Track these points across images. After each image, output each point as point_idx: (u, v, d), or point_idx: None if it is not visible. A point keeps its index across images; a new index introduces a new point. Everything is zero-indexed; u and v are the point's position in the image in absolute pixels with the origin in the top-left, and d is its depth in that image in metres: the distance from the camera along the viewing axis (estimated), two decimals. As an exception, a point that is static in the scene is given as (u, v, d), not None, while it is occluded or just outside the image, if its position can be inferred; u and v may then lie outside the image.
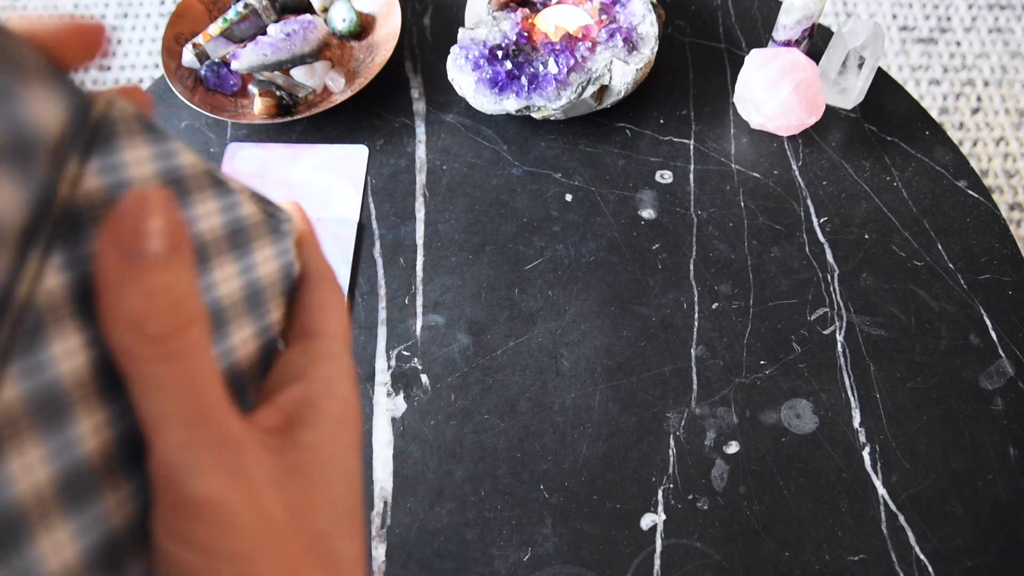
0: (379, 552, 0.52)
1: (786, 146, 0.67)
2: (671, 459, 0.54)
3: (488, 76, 0.65)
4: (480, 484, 0.54)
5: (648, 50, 0.66)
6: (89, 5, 1.61)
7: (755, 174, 0.66)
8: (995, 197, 1.33)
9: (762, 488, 0.53)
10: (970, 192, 0.65)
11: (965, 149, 1.38)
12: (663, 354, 0.58)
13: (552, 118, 0.68)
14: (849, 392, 0.56)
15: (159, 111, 0.71)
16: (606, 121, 0.69)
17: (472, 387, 0.57)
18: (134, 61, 1.53)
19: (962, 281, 0.60)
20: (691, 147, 0.68)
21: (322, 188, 0.67)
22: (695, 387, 0.57)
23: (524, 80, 0.65)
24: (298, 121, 0.70)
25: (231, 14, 0.71)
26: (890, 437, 0.54)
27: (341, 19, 0.73)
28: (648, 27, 0.66)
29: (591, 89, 0.64)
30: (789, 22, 0.67)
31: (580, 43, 0.66)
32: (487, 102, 0.66)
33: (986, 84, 1.45)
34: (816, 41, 0.73)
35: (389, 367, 0.58)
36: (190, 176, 0.17)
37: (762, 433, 0.55)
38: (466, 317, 0.60)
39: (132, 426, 0.15)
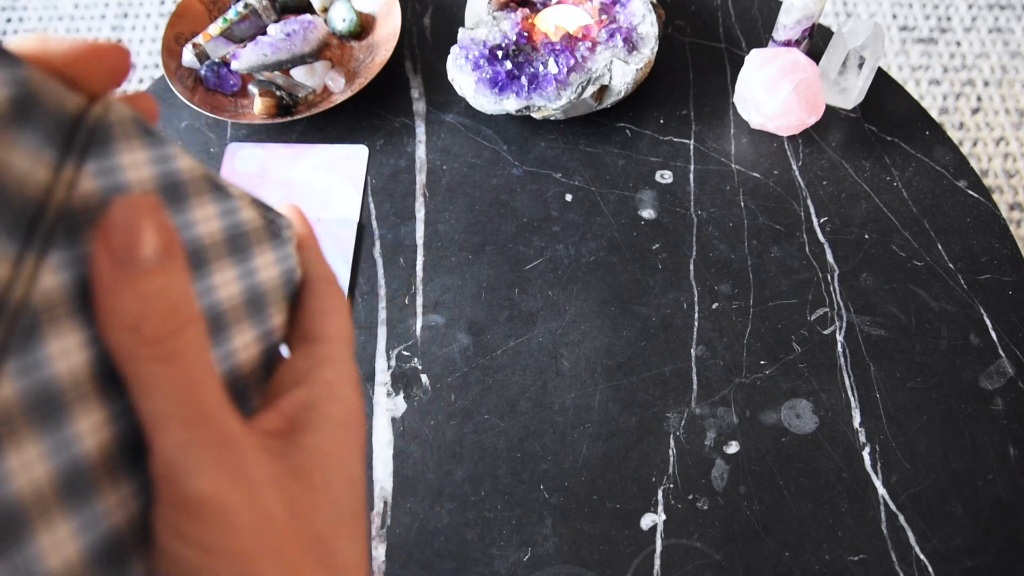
0: (379, 552, 0.52)
1: (786, 146, 0.67)
2: (671, 459, 0.54)
3: (488, 76, 0.65)
4: (480, 484, 0.54)
5: (648, 50, 0.66)
6: (89, 5, 1.61)
7: (755, 174, 0.66)
8: (995, 197, 1.33)
9: (762, 488, 0.53)
10: (970, 192, 0.65)
11: (965, 149, 1.38)
12: (663, 354, 0.58)
13: (552, 118, 0.68)
14: (849, 392, 0.56)
15: (159, 111, 0.71)
16: (606, 121, 0.69)
17: (472, 387, 0.57)
18: (134, 61, 1.53)
19: (962, 281, 0.60)
20: (691, 147, 0.68)
21: (322, 188, 0.67)
22: (695, 387, 0.57)
23: (524, 80, 0.65)
24: (298, 121, 0.70)
25: (231, 14, 0.71)
26: (890, 437, 0.54)
27: (341, 19, 0.73)
28: (648, 27, 0.66)
29: (591, 89, 0.64)
30: (789, 22, 0.67)
31: (580, 43, 0.66)
32: (487, 102, 0.66)
33: (986, 84, 1.45)
34: (816, 41, 0.73)
35: (389, 367, 0.58)
36: (188, 180, 0.17)
37: (762, 433, 0.55)
38: (466, 317, 0.60)
39: (133, 425, 0.15)
